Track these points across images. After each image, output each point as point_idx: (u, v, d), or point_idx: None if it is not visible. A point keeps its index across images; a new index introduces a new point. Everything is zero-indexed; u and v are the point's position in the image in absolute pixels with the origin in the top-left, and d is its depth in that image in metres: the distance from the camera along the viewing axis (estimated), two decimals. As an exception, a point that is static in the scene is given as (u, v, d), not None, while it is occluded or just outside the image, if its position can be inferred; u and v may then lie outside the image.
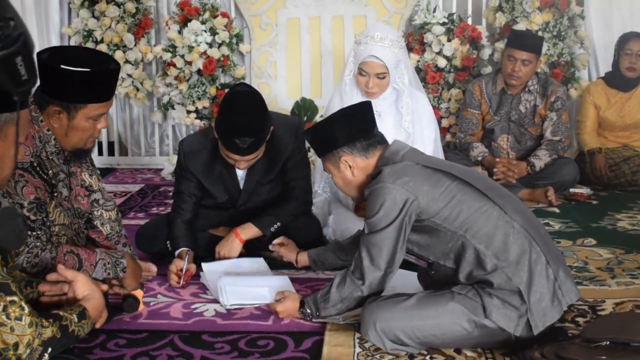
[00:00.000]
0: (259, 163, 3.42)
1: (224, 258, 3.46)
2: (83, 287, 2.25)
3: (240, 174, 3.51)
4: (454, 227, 2.58)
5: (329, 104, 4.00)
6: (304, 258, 3.36)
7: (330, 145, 2.76)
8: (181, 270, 3.27)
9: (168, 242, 3.49)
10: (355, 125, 2.76)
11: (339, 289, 2.68)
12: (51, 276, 2.30)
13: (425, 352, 2.59)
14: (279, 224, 3.52)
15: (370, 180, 2.72)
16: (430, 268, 2.74)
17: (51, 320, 1.99)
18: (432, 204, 2.58)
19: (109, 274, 2.88)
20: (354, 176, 2.77)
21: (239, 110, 3.19)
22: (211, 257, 3.52)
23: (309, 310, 2.79)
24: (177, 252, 3.41)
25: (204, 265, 3.38)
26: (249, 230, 3.49)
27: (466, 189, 2.62)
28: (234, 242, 3.46)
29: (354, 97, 3.74)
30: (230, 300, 2.87)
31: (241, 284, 3.10)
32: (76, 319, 2.08)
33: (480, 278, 2.56)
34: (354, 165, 2.75)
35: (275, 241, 3.44)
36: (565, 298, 2.57)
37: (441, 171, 2.66)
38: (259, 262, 3.46)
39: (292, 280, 3.29)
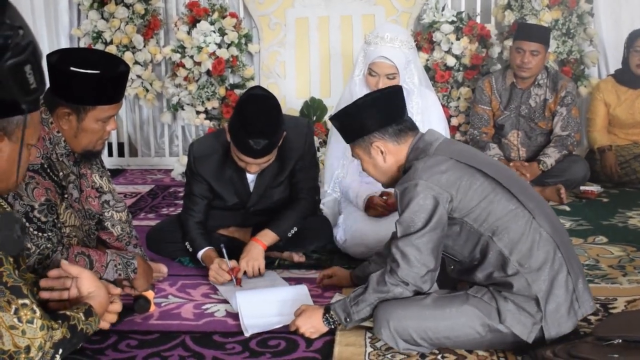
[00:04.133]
0: (270, 167, 3.40)
1: (250, 266, 3.37)
2: (88, 284, 2.24)
3: (251, 177, 3.49)
4: (483, 228, 2.52)
5: (338, 104, 3.98)
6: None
7: (361, 132, 2.66)
8: (231, 269, 3.28)
9: (187, 243, 3.49)
10: (386, 110, 2.66)
11: (377, 289, 2.58)
12: (53, 272, 2.28)
13: (437, 352, 2.58)
14: (296, 228, 3.52)
15: (401, 175, 2.64)
16: (451, 263, 2.69)
17: (60, 321, 1.99)
18: (465, 202, 2.52)
19: (119, 274, 2.89)
20: (386, 162, 2.67)
21: (255, 112, 3.17)
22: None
23: (335, 317, 2.67)
24: (202, 252, 3.41)
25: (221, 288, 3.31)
26: (269, 236, 3.45)
27: (498, 189, 2.54)
28: (257, 249, 3.40)
29: (363, 97, 3.74)
30: (250, 331, 2.80)
31: (258, 308, 2.94)
32: (83, 317, 2.08)
33: (500, 280, 2.52)
34: (386, 150, 2.66)
35: (326, 272, 3.30)
36: (581, 309, 2.54)
37: (474, 168, 2.57)
38: (302, 289, 3.16)
39: (304, 280, 3.30)
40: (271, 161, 3.32)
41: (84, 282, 2.24)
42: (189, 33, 5.74)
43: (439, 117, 3.93)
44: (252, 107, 3.18)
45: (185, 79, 5.77)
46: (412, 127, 2.71)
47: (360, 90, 3.80)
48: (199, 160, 3.47)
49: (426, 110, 3.86)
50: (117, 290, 2.38)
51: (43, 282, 2.26)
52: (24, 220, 2.62)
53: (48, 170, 2.75)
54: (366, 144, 2.68)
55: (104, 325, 2.26)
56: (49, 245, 2.67)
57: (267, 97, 3.26)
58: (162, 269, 3.31)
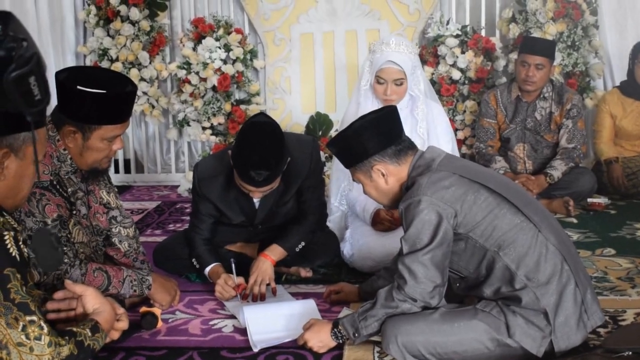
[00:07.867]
0: (276, 188, 3.38)
1: (259, 281, 3.34)
2: (93, 301, 2.25)
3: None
4: (488, 243, 2.51)
5: (344, 116, 3.97)
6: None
7: (360, 156, 2.63)
8: (237, 286, 3.27)
9: (194, 259, 3.48)
10: (384, 131, 2.62)
11: (385, 304, 2.56)
12: (58, 294, 2.29)
13: (445, 367, 2.58)
14: (303, 243, 3.51)
15: (405, 192, 2.61)
16: (456, 281, 2.68)
17: (67, 337, 1.99)
18: (469, 217, 2.50)
19: (135, 290, 2.90)
20: (388, 184, 2.65)
21: (256, 143, 3.11)
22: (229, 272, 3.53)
23: (343, 332, 2.65)
24: (209, 268, 3.41)
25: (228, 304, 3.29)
26: (277, 251, 3.44)
27: (503, 204, 2.53)
28: (265, 264, 3.38)
29: (370, 107, 3.69)
30: (259, 346, 2.78)
31: (266, 323, 2.93)
32: (90, 333, 2.09)
33: (508, 294, 2.50)
34: (387, 172, 2.63)
35: (333, 287, 3.28)
36: (590, 321, 2.52)
37: (478, 183, 2.55)
38: (309, 304, 3.12)
39: (312, 295, 3.30)
40: (275, 187, 3.29)
41: (88, 299, 2.25)
42: (194, 49, 5.76)
43: (446, 129, 3.91)
44: (254, 137, 3.13)
45: (191, 95, 5.78)
46: (411, 146, 2.68)
47: (366, 101, 3.79)
48: (204, 182, 3.45)
49: (432, 122, 3.84)
50: (122, 310, 2.39)
51: (49, 305, 2.28)
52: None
53: (58, 187, 2.76)
54: (367, 167, 2.65)
55: (114, 335, 2.28)
56: (66, 260, 2.69)
57: (270, 125, 3.20)
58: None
